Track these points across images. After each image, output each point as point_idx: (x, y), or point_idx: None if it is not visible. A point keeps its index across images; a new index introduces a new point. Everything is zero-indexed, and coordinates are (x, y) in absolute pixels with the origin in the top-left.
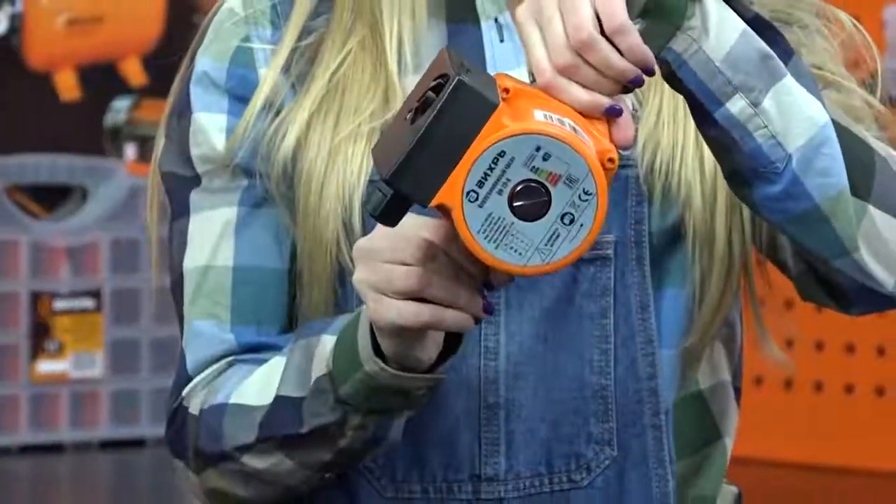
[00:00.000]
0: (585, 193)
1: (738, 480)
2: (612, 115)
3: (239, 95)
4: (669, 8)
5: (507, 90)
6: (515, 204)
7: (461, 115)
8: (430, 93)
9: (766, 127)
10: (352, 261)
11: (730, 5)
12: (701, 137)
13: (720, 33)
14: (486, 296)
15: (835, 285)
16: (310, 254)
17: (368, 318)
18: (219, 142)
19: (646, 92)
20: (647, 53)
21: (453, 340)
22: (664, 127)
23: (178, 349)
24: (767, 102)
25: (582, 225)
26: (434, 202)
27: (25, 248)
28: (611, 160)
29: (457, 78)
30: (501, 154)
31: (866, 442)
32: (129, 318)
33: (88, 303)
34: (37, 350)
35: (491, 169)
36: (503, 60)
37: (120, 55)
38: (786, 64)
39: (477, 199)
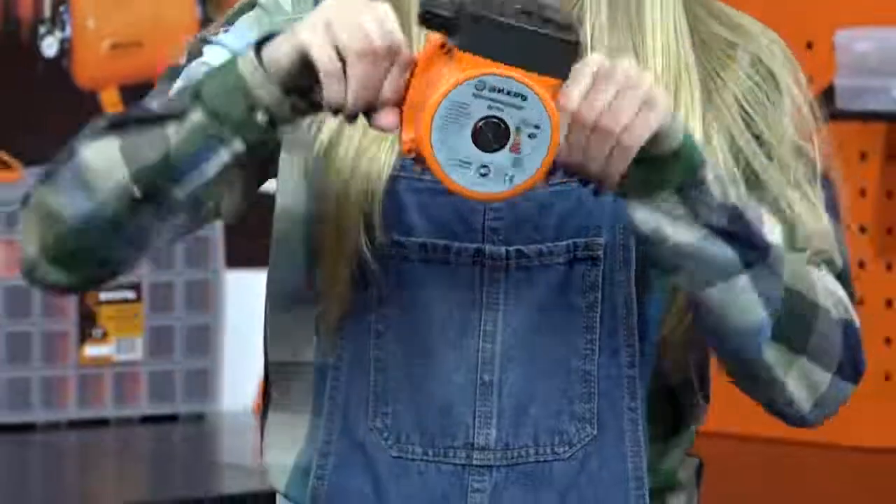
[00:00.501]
0: (510, 180)
1: (706, 453)
2: (549, 170)
3: None
4: (659, 178)
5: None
6: (482, 123)
7: (551, 53)
8: (555, 17)
9: (704, 304)
10: (370, 252)
11: (711, 218)
12: None
13: (684, 229)
14: (356, 115)
15: (768, 399)
16: (331, 239)
17: (294, 36)
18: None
19: None
20: (612, 181)
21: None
22: None
23: (206, 335)
24: (711, 292)
25: (483, 185)
26: (463, 54)
27: None
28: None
29: (579, 41)
30: (524, 97)
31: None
32: (164, 307)
33: (130, 294)
34: (84, 336)
35: (510, 95)
36: None
37: (158, 75)
38: (752, 263)
39: (481, 90)
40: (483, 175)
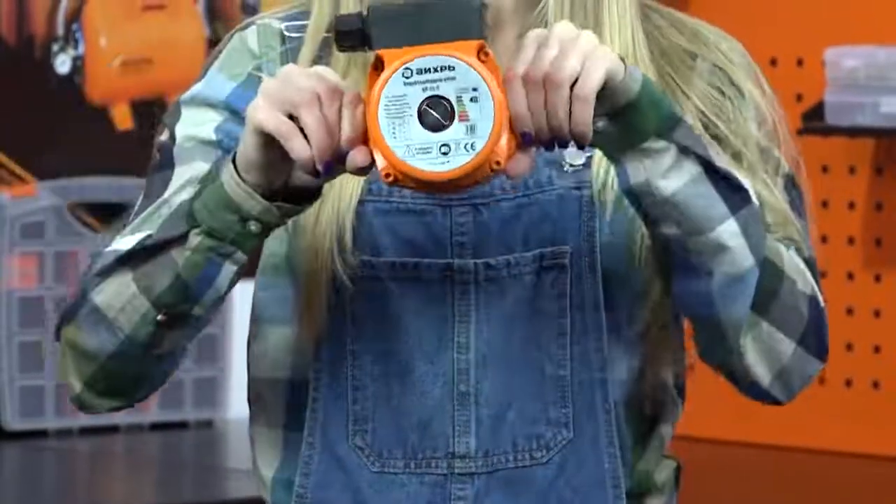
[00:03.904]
0: (471, 147)
1: (684, 457)
2: (524, 140)
3: (237, 110)
4: (636, 125)
5: (486, 53)
6: (424, 106)
7: (457, 18)
8: None
9: (694, 251)
10: (345, 273)
11: (698, 150)
12: None
13: (672, 178)
14: (330, 163)
15: (727, 366)
16: (307, 263)
17: (248, 124)
18: (205, 132)
19: None
20: (585, 134)
21: (304, 199)
22: None
23: (215, 343)
24: (700, 238)
25: (448, 162)
26: (381, 52)
27: (84, 256)
28: (497, 163)
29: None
30: (451, 68)
31: (804, 422)
32: None
33: None
34: None
35: (437, 70)
36: None
37: (167, 91)
38: (739, 209)
39: (409, 77)
40: (445, 153)
